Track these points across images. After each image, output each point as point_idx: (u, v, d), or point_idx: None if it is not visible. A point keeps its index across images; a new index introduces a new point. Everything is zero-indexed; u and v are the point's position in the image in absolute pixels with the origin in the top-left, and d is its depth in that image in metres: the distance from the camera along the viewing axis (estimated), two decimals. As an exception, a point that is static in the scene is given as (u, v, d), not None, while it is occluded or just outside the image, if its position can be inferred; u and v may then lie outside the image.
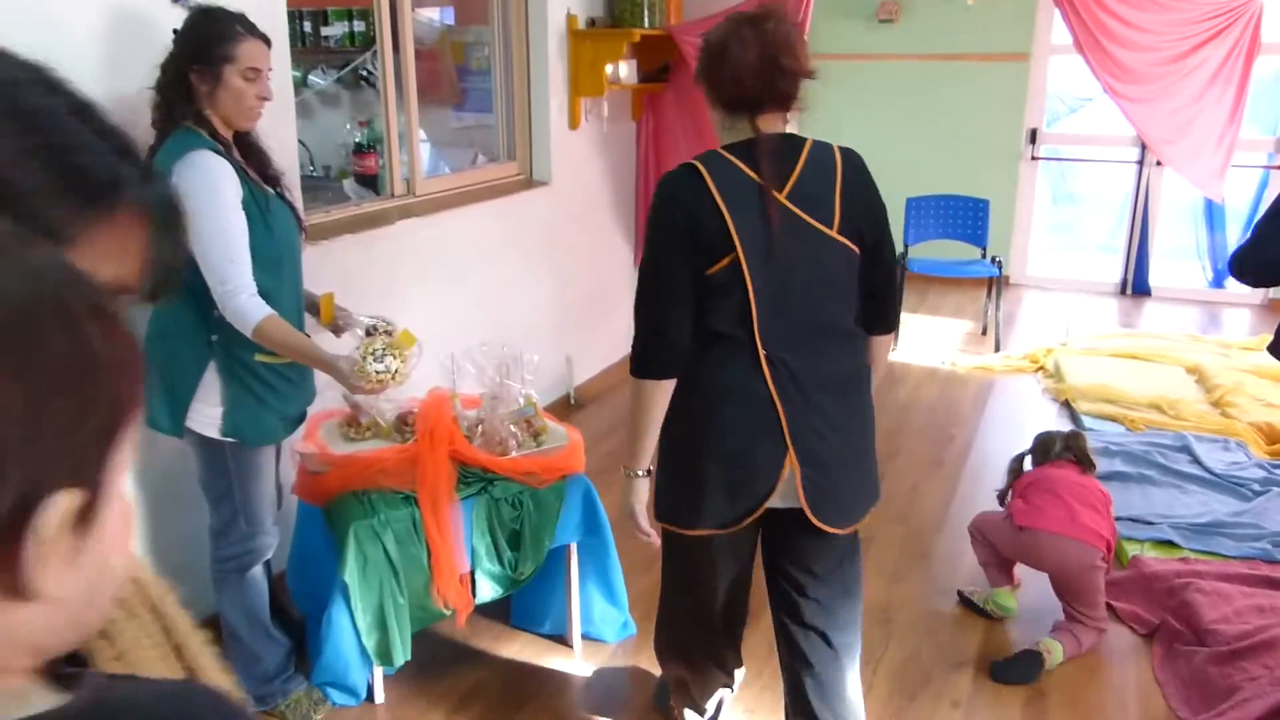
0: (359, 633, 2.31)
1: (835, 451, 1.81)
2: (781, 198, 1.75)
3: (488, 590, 2.43)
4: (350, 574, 2.24)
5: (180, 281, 1.97)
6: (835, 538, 1.87)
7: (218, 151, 2.01)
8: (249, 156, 2.13)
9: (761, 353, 1.76)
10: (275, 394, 2.17)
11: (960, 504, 3.52)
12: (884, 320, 1.92)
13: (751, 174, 1.75)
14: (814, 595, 1.94)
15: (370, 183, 3.63)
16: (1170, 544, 3.10)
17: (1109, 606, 2.83)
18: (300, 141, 3.29)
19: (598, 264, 4.55)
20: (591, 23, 4.21)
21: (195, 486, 2.43)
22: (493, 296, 3.81)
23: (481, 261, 3.73)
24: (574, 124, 4.21)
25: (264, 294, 2.03)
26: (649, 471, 1.91)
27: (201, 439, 2.14)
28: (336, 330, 2.40)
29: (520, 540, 2.41)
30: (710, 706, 2.22)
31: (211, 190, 1.96)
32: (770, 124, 1.79)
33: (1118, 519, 3.20)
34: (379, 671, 2.42)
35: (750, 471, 1.80)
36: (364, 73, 4.11)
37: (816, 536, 1.86)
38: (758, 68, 1.75)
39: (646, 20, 4.21)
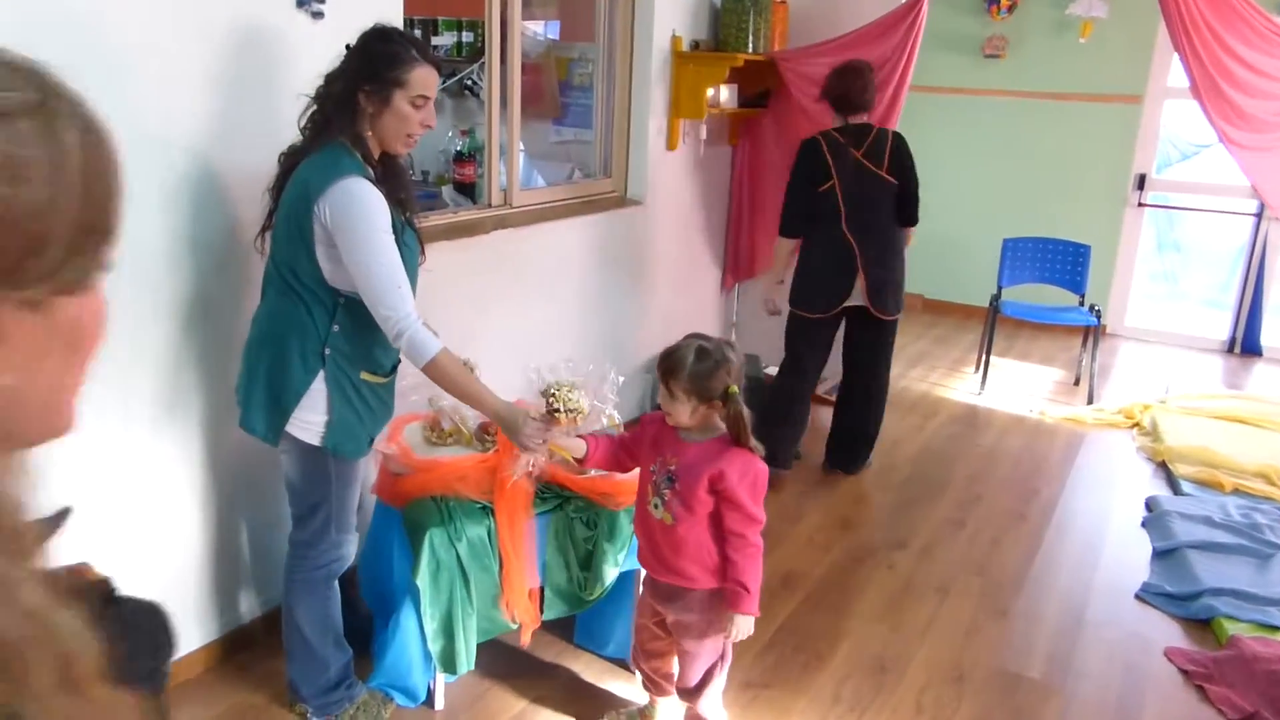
0: (425, 637, 2.32)
1: (881, 276, 3.66)
2: (858, 154, 3.58)
3: (555, 608, 2.42)
4: (422, 578, 2.25)
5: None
6: (882, 320, 3.74)
7: (368, 177, 1.98)
8: (390, 179, 2.08)
9: (846, 228, 3.61)
10: (371, 413, 2.15)
11: (1043, 563, 3.37)
12: (906, 218, 3.71)
13: (844, 140, 3.60)
14: (866, 347, 3.85)
15: (468, 191, 3.68)
16: (1274, 626, 2.90)
17: (1200, 689, 2.68)
18: (404, 147, 3.34)
19: (685, 285, 4.53)
20: (696, 45, 4.21)
21: (259, 487, 2.45)
22: (579, 311, 3.82)
23: (571, 276, 3.75)
24: (672, 145, 4.21)
25: None
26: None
27: (304, 446, 2.10)
28: None
29: (591, 560, 2.39)
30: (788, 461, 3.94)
31: (371, 219, 1.93)
32: (857, 119, 3.63)
33: (1217, 593, 3.04)
34: (440, 677, 2.42)
35: (841, 285, 3.66)
36: (469, 83, 4.18)
37: (870, 319, 3.72)
38: (851, 94, 3.60)
39: (751, 46, 4.19)
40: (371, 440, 2.24)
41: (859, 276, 3.63)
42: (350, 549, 2.29)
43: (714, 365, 2.01)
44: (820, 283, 3.70)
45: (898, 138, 3.63)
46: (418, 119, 2.01)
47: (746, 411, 2.02)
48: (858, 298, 3.68)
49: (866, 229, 3.62)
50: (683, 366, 2.01)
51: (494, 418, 2.11)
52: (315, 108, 2.03)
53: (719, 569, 2.08)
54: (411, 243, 2.13)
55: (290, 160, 2.06)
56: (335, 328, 2.03)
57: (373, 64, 1.97)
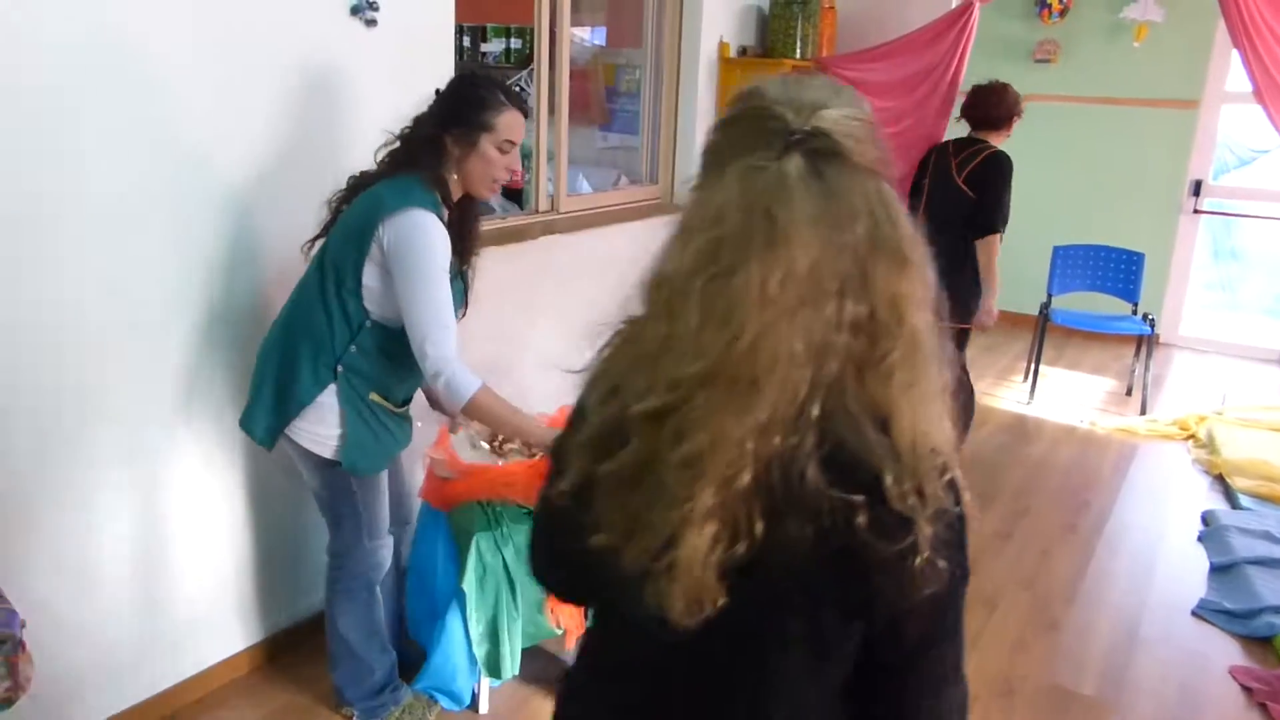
0: (470, 641, 2.33)
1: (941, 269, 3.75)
2: (954, 162, 3.72)
3: (600, 613, 2.42)
4: (469, 583, 2.27)
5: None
6: None
7: (439, 216, 1.95)
8: (461, 225, 2.06)
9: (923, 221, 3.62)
10: (387, 432, 2.12)
11: (1094, 576, 3.31)
12: (976, 231, 3.65)
13: (950, 149, 3.78)
14: None
15: (515, 197, 3.71)
16: (1335, 645, 2.81)
17: (1263, 707, 2.60)
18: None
19: (728, 291, 4.51)
20: (743, 51, 4.20)
21: (284, 491, 2.45)
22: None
23: (618, 282, 3.74)
24: (717, 150, 4.20)
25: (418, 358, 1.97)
26: None
27: (318, 460, 2.07)
28: (453, 428, 2.40)
29: (637, 567, 2.39)
30: None
31: (431, 255, 1.91)
32: (979, 133, 3.77)
33: (1279, 610, 2.96)
34: (485, 681, 2.44)
35: None
36: (517, 89, 4.21)
37: None
38: (980, 108, 3.77)
39: (799, 51, 4.17)
40: (390, 457, 2.19)
41: None
42: (385, 553, 2.26)
43: None
44: None
45: (992, 156, 3.65)
46: (503, 164, 2.01)
47: None
48: None
49: (935, 232, 3.77)
50: None
51: (540, 445, 2.10)
52: (398, 145, 2.03)
53: None
54: (457, 294, 2.06)
55: (360, 182, 2.05)
56: (353, 349, 2.00)
57: (462, 107, 1.98)
